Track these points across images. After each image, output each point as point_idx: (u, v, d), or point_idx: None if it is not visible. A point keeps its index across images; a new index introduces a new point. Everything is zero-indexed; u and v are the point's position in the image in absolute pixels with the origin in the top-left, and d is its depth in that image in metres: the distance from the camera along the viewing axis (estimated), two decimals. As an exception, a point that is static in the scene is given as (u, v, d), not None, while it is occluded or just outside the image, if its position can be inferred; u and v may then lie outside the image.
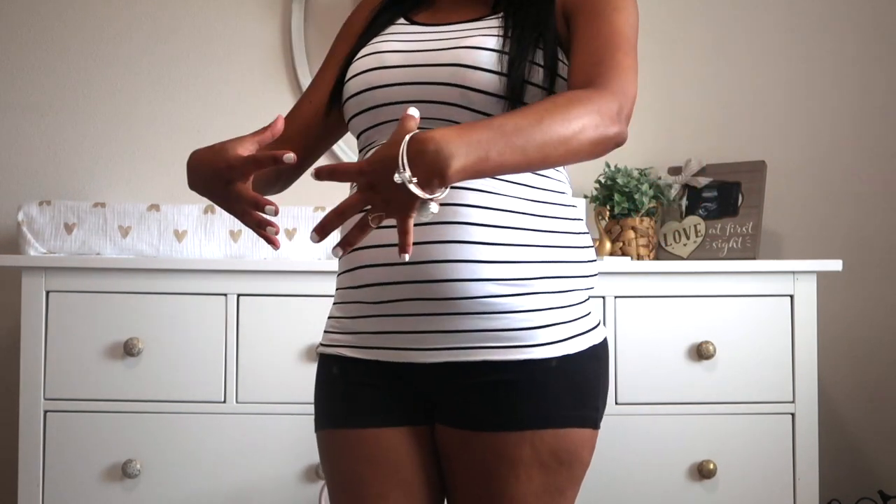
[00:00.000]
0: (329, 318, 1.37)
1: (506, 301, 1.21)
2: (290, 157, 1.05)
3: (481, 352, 1.23)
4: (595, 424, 1.29)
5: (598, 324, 1.31)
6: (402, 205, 0.99)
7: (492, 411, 1.23)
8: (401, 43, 1.33)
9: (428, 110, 1.23)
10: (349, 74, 1.34)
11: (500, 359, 1.22)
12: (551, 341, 1.23)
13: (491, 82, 1.23)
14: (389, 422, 1.28)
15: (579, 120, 1.07)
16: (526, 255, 1.23)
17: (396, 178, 0.96)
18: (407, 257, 1.03)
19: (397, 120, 1.09)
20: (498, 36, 1.27)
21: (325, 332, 1.36)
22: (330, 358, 1.34)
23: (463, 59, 1.25)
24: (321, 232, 1.02)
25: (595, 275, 1.32)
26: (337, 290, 1.35)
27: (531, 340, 1.22)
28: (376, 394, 1.29)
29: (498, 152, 1.02)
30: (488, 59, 1.24)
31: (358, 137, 1.36)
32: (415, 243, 1.06)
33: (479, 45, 1.26)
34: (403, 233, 1.01)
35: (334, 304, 1.36)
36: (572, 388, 1.25)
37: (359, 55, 1.35)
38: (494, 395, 1.23)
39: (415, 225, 1.02)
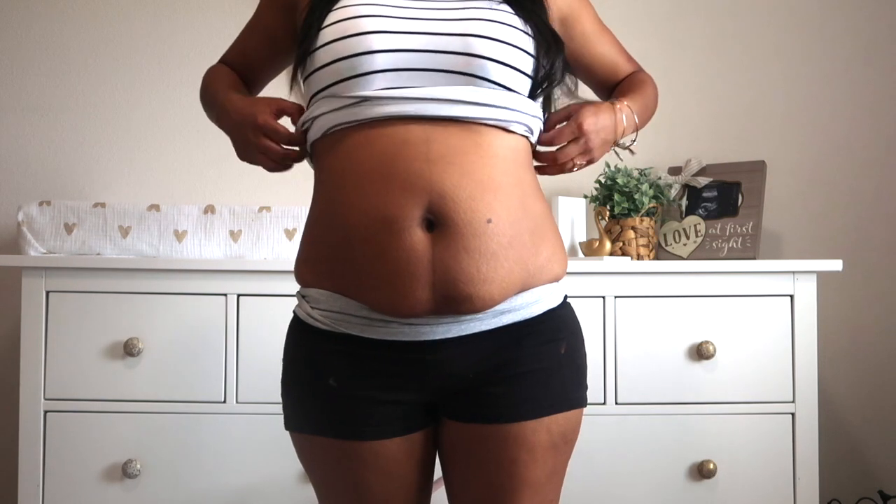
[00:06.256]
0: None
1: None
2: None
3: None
4: (586, 403, 1.37)
5: None
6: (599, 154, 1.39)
7: (512, 402, 1.27)
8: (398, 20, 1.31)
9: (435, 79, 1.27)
10: (339, 55, 1.32)
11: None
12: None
13: (515, 80, 1.30)
14: (393, 433, 1.29)
15: (655, 94, 1.59)
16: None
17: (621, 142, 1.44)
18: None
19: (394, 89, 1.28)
20: (522, 31, 1.31)
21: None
22: (328, 369, 1.31)
23: (481, 52, 1.27)
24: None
25: None
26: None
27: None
28: (379, 407, 1.29)
29: (642, 121, 1.48)
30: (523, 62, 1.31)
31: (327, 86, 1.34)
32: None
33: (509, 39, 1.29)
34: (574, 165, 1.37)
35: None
36: (576, 372, 1.34)
37: (340, 21, 1.32)
38: (511, 386, 1.27)
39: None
